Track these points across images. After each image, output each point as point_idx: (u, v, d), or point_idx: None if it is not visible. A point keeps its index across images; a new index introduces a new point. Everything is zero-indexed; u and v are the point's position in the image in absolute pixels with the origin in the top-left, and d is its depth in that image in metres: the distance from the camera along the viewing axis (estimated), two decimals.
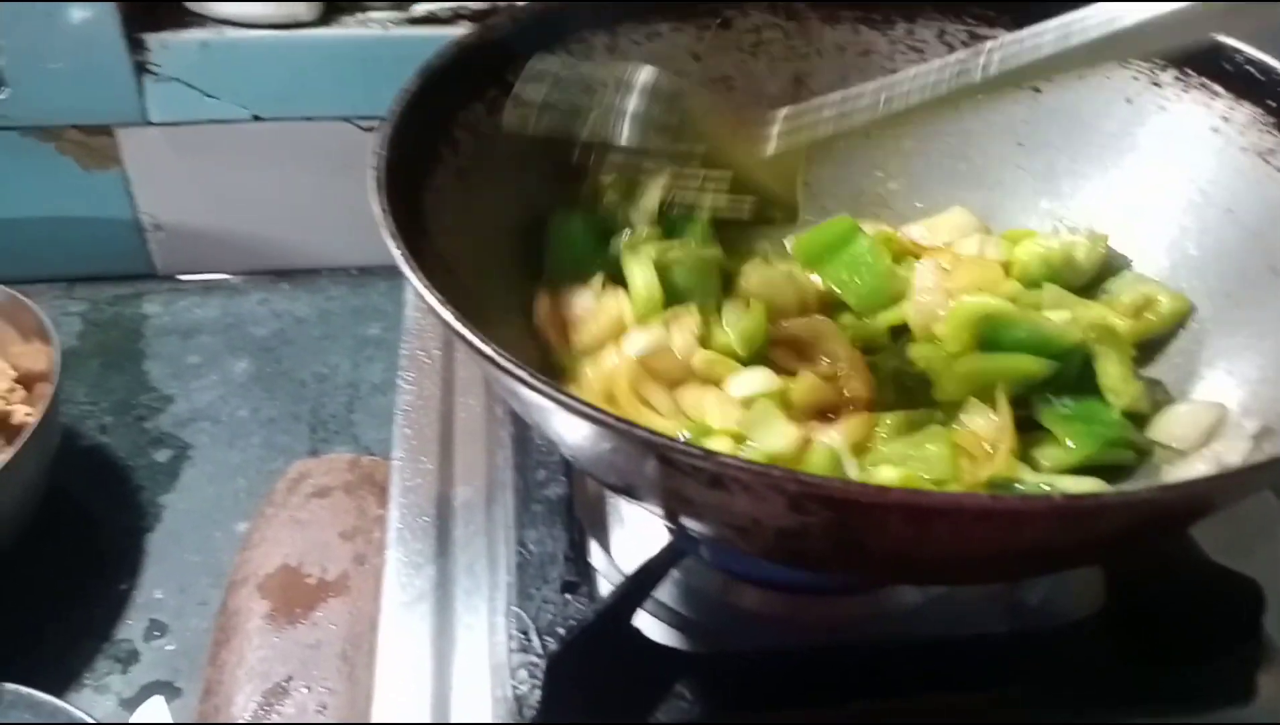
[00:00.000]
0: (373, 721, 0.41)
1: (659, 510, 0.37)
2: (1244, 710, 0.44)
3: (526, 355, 0.46)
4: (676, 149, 0.51)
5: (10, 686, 0.60)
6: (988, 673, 0.46)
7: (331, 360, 0.89)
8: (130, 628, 0.68)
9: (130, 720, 0.63)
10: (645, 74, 0.49)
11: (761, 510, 0.31)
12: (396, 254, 0.37)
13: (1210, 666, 0.45)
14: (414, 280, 0.36)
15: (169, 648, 0.68)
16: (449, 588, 0.47)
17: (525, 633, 0.44)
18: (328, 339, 0.91)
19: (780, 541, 0.33)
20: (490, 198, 0.50)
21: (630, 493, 0.38)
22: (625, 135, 0.49)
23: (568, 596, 0.45)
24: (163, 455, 0.80)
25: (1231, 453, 0.41)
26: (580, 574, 0.46)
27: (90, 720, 0.59)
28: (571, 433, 0.35)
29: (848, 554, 0.33)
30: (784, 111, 0.52)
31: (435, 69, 0.49)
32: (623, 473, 0.36)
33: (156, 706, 0.63)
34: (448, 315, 0.35)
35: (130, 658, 0.67)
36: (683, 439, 0.42)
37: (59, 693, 0.62)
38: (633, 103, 0.49)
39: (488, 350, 0.33)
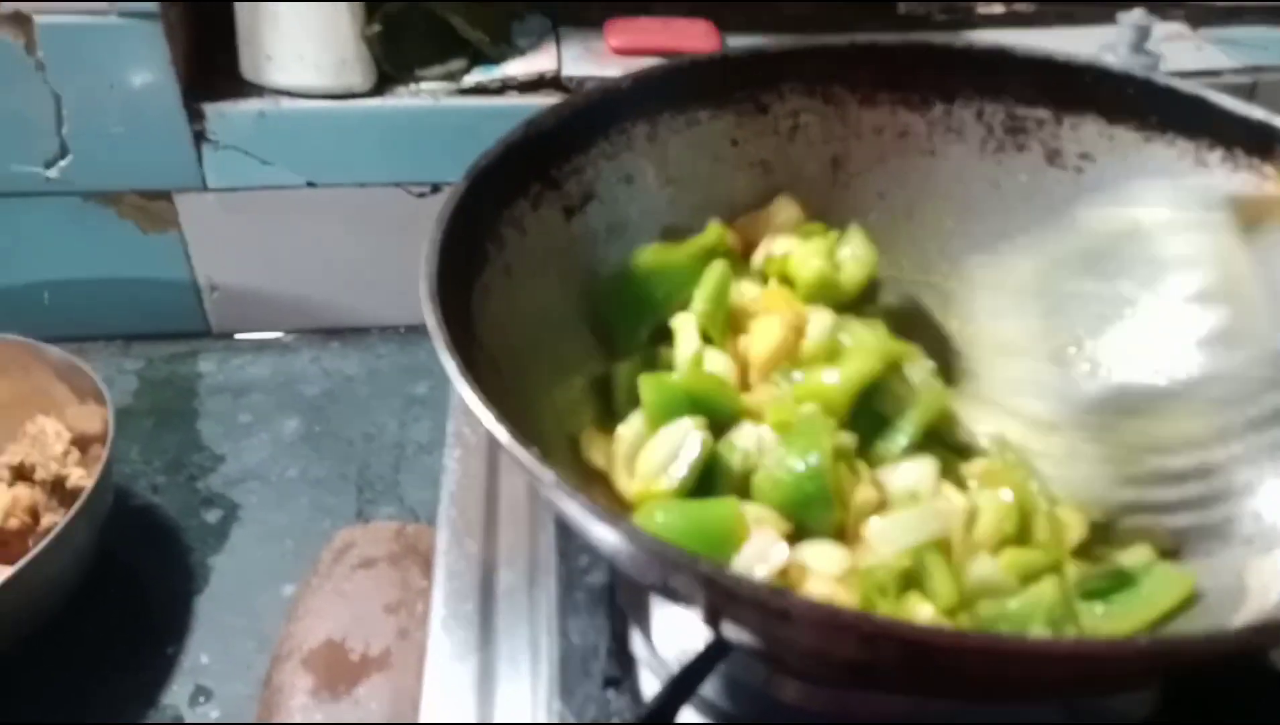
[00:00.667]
0: None
1: (707, 623, 0.37)
2: None
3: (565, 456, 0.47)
4: None
5: None
6: None
7: (379, 419, 0.91)
8: (175, 693, 0.70)
9: None
10: None
11: (828, 645, 0.31)
12: (452, 369, 0.38)
13: None
14: (470, 398, 0.37)
15: (213, 714, 0.69)
16: (491, 679, 0.47)
17: None
18: (375, 398, 0.93)
19: (844, 671, 0.33)
20: (534, 291, 0.51)
21: (678, 603, 0.38)
22: None
23: (610, 692, 0.45)
24: (213, 516, 0.82)
25: None
26: (623, 667, 0.47)
27: None
28: (621, 554, 0.35)
29: (916, 683, 0.33)
30: None
31: (482, 169, 0.49)
32: (675, 594, 0.36)
33: None
34: (503, 434, 0.35)
35: (175, 723, 0.68)
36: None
37: None
38: None
39: (547, 479, 0.34)
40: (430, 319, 0.40)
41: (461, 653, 0.48)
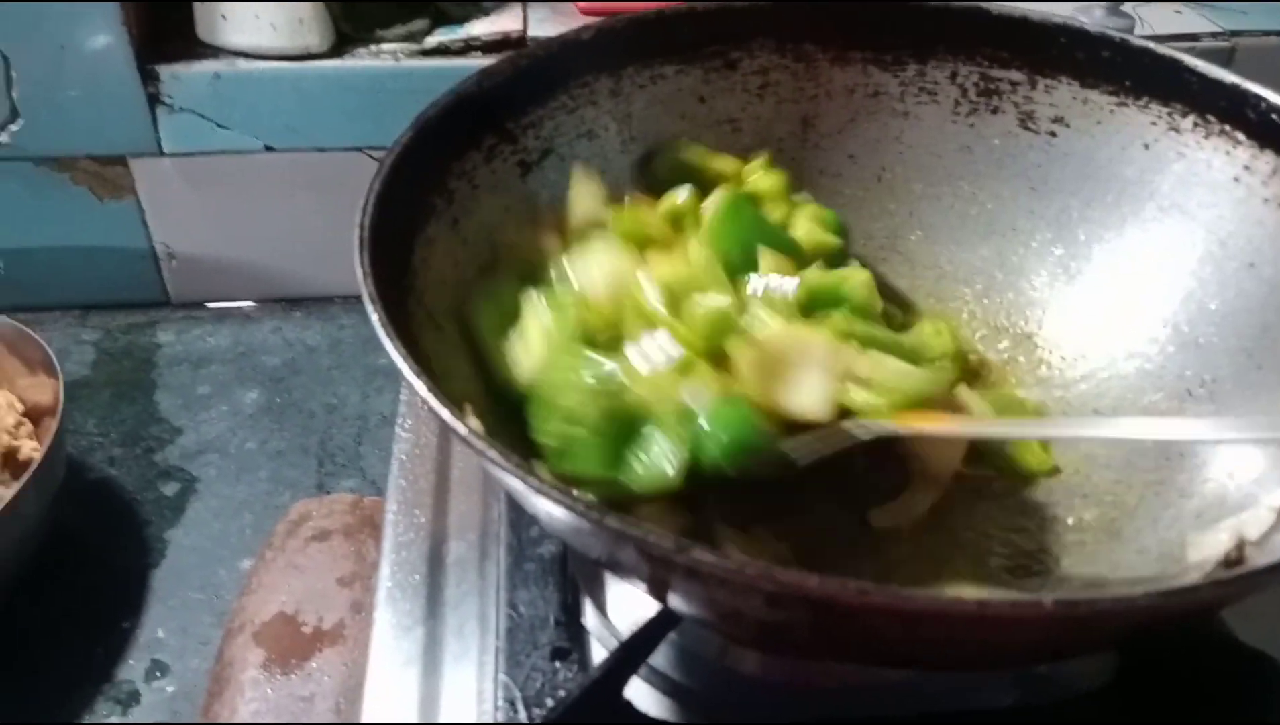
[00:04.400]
0: None
1: (643, 589, 0.36)
2: None
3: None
4: None
5: None
6: None
7: (342, 391, 0.89)
8: (131, 668, 0.68)
9: None
10: None
11: (743, 604, 0.30)
12: (375, 319, 0.36)
13: None
14: (392, 350, 0.35)
15: (170, 689, 0.67)
16: (438, 652, 0.46)
17: (512, 702, 0.43)
18: (338, 369, 0.91)
19: (765, 633, 0.32)
20: (483, 249, 0.49)
21: (613, 570, 0.37)
22: None
23: (557, 664, 0.44)
24: (170, 489, 0.80)
25: (1253, 526, 0.39)
26: (572, 639, 0.45)
27: None
28: (539, 509, 0.33)
29: (834, 645, 0.32)
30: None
31: (430, 119, 0.48)
32: (599, 554, 0.35)
33: None
34: (421, 386, 0.34)
35: (131, 699, 0.66)
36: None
37: None
38: None
39: (461, 429, 0.32)
40: (359, 268, 0.38)
41: (408, 624, 0.46)
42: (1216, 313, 0.49)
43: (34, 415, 0.75)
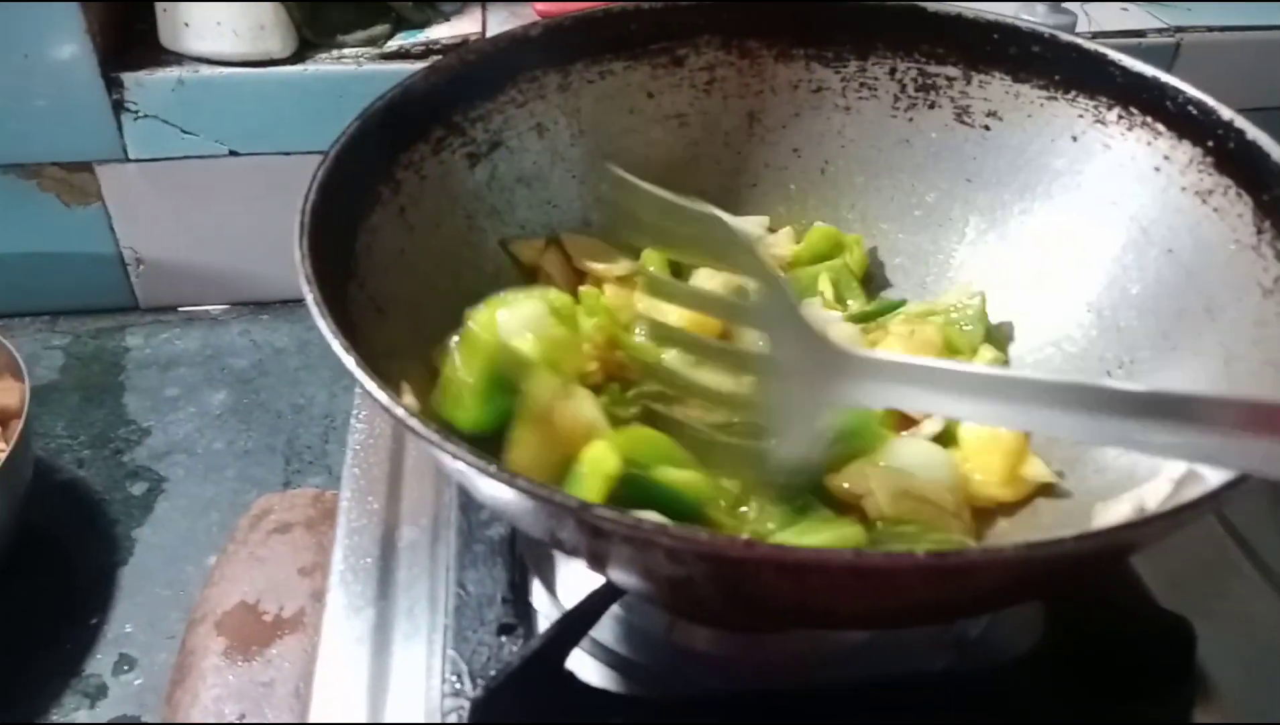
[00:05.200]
0: None
1: (567, 555, 0.37)
2: None
3: None
4: None
5: None
6: (929, 712, 0.46)
7: (309, 391, 0.90)
8: (99, 662, 0.69)
9: None
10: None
11: (649, 561, 0.31)
12: (309, 297, 0.38)
13: (1147, 706, 0.45)
14: (322, 325, 0.37)
15: (137, 682, 0.68)
16: (388, 631, 0.47)
17: (459, 676, 0.44)
18: (305, 369, 0.92)
19: (676, 592, 0.33)
20: (431, 237, 0.51)
21: (533, 536, 0.38)
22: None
23: (503, 639, 0.45)
24: (138, 488, 0.81)
25: (1152, 496, 0.40)
26: (519, 616, 0.47)
27: None
28: (451, 471, 0.35)
29: (741, 605, 0.33)
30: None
31: (378, 111, 0.49)
32: (518, 519, 0.36)
33: None
34: (350, 362, 0.35)
35: (99, 692, 0.67)
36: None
37: None
38: None
39: (387, 402, 0.34)
40: (297, 251, 0.39)
41: (359, 605, 0.48)
42: (1137, 297, 0.51)
43: (1, 418, 0.76)
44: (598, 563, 0.36)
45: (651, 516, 0.41)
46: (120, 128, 0.86)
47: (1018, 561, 0.29)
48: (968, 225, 0.58)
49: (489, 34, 0.88)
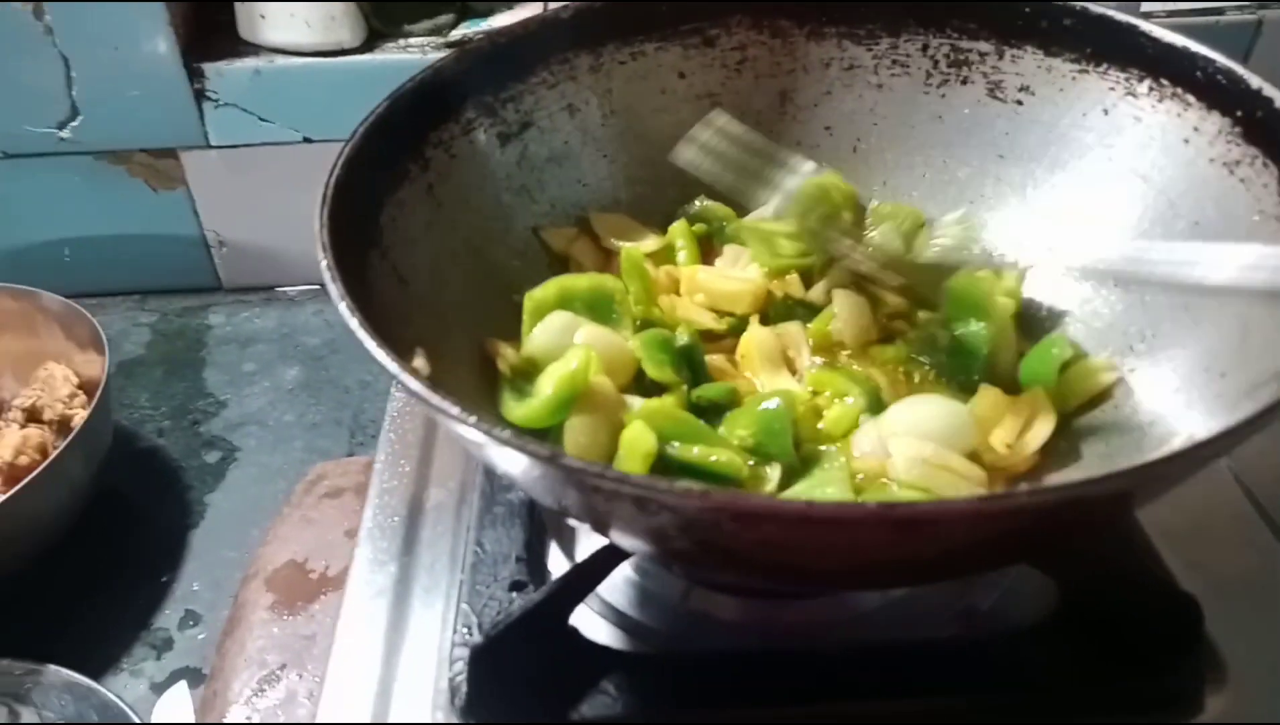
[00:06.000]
0: (320, 710, 0.44)
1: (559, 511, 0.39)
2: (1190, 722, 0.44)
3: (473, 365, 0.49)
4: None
5: (52, 668, 0.66)
6: (936, 679, 0.46)
7: (375, 368, 0.92)
8: (167, 617, 0.73)
9: (158, 703, 0.67)
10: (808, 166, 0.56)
11: (621, 512, 0.33)
12: (322, 263, 0.40)
13: (1156, 677, 0.44)
14: (332, 288, 0.39)
15: (200, 636, 0.72)
16: (409, 584, 0.49)
17: (469, 629, 0.46)
18: None
19: (658, 544, 0.35)
20: (460, 212, 0.53)
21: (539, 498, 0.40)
22: (775, 208, 0.56)
23: (514, 595, 0.47)
24: (212, 457, 0.85)
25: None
26: (533, 574, 0.49)
27: (118, 702, 0.64)
28: (457, 434, 0.37)
29: (714, 555, 0.34)
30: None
31: (407, 92, 0.52)
32: (505, 473, 0.38)
33: (180, 693, 0.67)
34: (356, 325, 0.37)
35: (165, 645, 0.72)
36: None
37: (97, 675, 0.66)
38: (792, 182, 0.56)
39: (392, 367, 0.36)
40: (316, 220, 0.42)
41: (383, 559, 0.50)
42: None
43: (88, 388, 0.81)
44: (581, 515, 0.37)
45: None
46: (202, 116, 0.91)
47: (969, 513, 0.29)
48: (1000, 203, 0.58)
49: None
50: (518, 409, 0.46)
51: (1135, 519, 0.51)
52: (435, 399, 0.34)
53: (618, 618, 0.49)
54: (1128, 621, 0.45)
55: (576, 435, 0.45)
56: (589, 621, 0.48)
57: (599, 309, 0.52)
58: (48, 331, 0.83)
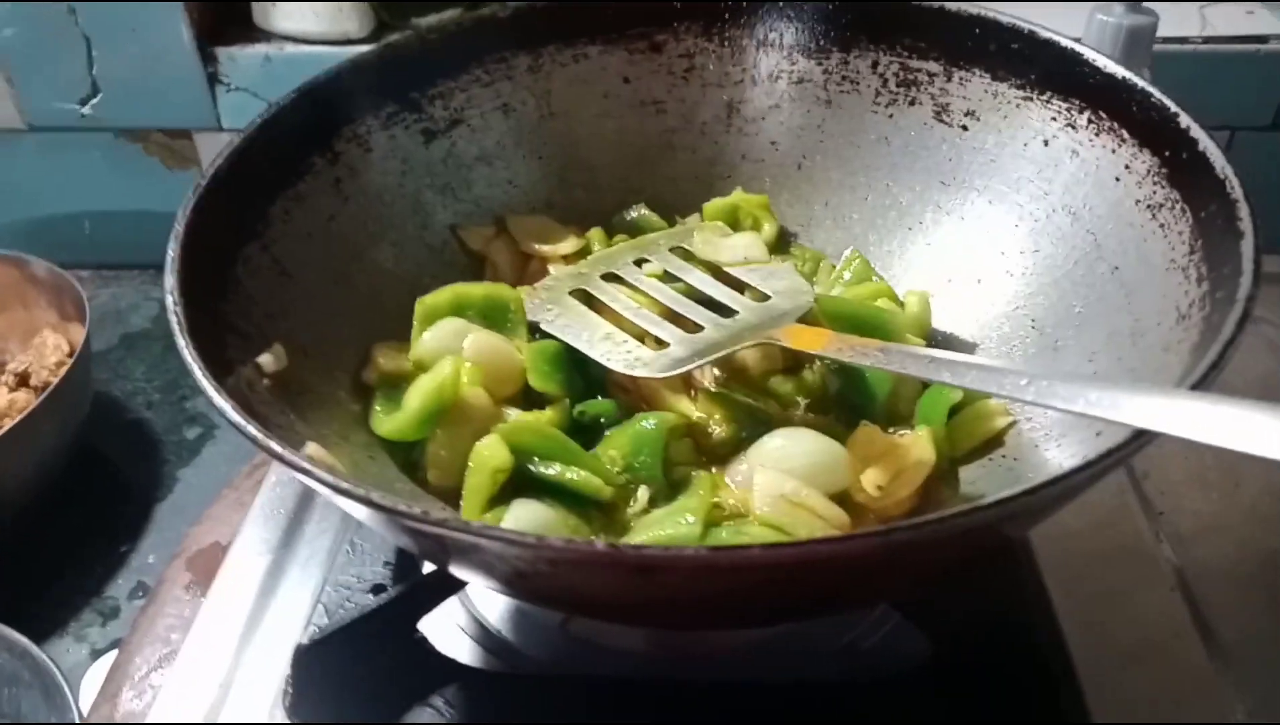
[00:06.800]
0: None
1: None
2: None
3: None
4: None
5: None
6: (814, 715, 0.44)
7: None
8: (119, 586, 0.75)
9: (89, 670, 0.68)
10: None
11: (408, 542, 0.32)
12: (169, 253, 0.40)
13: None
14: (168, 280, 0.39)
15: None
16: (279, 578, 0.49)
17: (318, 628, 0.46)
18: None
19: (463, 567, 0.34)
20: (371, 208, 0.53)
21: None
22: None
23: (371, 597, 0.47)
24: (192, 433, 0.87)
25: None
26: (398, 580, 0.48)
27: (51, 666, 0.65)
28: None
29: (533, 593, 0.33)
30: None
31: (318, 84, 0.52)
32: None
33: (110, 663, 0.69)
34: (175, 319, 0.37)
35: (112, 613, 0.73)
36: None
37: (43, 637, 0.68)
38: None
39: (183, 348, 0.36)
40: (181, 210, 0.42)
41: (260, 551, 0.50)
42: (1078, 316, 0.48)
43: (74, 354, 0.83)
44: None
45: (534, 507, 0.42)
46: (215, 99, 0.92)
47: (699, 563, 0.28)
48: (936, 232, 0.55)
49: None
50: (386, 421, 0.46)
51: (1032, 574, 0.48)
52: (234, 417, 0.33)
53: (487, 638, 0.48)
54: (996, 677, 0.42)
55: (438, 449, 0.45)
56: (449, 634, 0.47)
57: (493, 318, 0.51)
58: (47, 302, 0.86)
